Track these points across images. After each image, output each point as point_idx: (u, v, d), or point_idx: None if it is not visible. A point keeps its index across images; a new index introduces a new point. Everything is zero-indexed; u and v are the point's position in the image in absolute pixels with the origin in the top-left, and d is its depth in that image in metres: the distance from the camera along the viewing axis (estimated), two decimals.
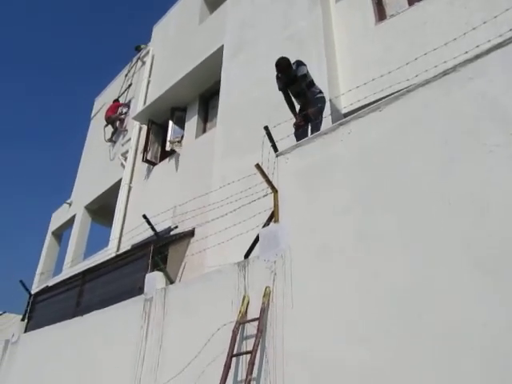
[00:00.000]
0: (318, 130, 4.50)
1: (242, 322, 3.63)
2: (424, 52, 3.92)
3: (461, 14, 5.26)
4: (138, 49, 12.63)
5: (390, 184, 3.22)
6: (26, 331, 7.68)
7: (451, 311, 2.59)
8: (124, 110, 12.01)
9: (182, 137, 9.03)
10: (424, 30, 5.56)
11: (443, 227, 2.81)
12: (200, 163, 7.77)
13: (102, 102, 13.76)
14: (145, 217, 5.75)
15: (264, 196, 4.46)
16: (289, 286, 3.48)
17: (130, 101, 12.06)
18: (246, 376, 3.22)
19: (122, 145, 11.33)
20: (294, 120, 4.94)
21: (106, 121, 12.05)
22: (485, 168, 2.76)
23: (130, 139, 10.79)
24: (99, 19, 43.52)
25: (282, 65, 4.86)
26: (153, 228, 5.81)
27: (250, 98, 6.88)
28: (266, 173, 4.17)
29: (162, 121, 9.76)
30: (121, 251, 8.04)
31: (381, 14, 6.46)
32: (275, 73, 4.99)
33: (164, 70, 10.82)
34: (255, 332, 3.41)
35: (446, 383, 2.49)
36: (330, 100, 5.34)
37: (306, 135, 4.59)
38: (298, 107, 5.13)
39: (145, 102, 10.67)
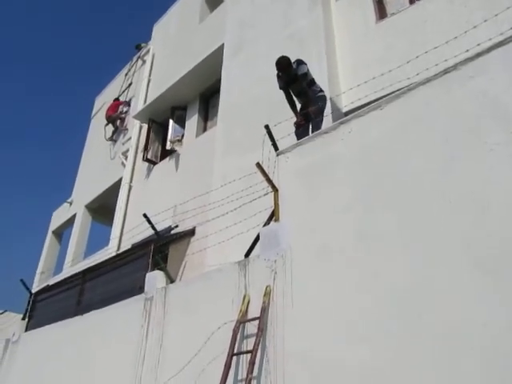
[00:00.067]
0: (319, 128, 4.48)
1: (242, 321, 3.62)
2: (425, 50, 3.90)
3: (461, 13, 5.24)
4: (138, 47, 12.60)
5: (390, 183, 3.21)
6: (26, 330, 7.68)
7: (451, 311, 2.58)
8: (124, 109, 12.00)
9: (183, 136, 9.02)
10: (424, 29, 5.55)
11: (443, 226, 2.80)
12: (200, 162, 7.76)
13: (103, 101, 13.75)
14: (145, 216, 5.74)
15: (264, 195, 4.46)
16: (289, 285, 3.48)
17: (130, 100, 12.04)
18: (247, 375, 3.22)
19: (123, 144, 11.32)
20: (294, 119, 4.93)
21: (107, 120, 12.04)
22: (485, 166, 2.76)
23: (130, 138, 10.78)
24: (99, 19, 43.50)
25: (283, 64, 4.84)
26: (153, 227, 5.80)
27: (251, 96, 6.87)
28: (267, 172, 4.16)
29: (162, 120, 9.75)
30: (121, 250, 8.03)
31: (381, 12, 6.44)
32: (275, 72, 4.98)
33: (164, 69, 10.80)
34: (256, 331, 3.41)
35: (446, 383, 2.48)
36: (331, 99, 5.33)
37: (307, 134, 4.57)
38: (298, 106, 5.12)
39: (145, 101, 10.66)
